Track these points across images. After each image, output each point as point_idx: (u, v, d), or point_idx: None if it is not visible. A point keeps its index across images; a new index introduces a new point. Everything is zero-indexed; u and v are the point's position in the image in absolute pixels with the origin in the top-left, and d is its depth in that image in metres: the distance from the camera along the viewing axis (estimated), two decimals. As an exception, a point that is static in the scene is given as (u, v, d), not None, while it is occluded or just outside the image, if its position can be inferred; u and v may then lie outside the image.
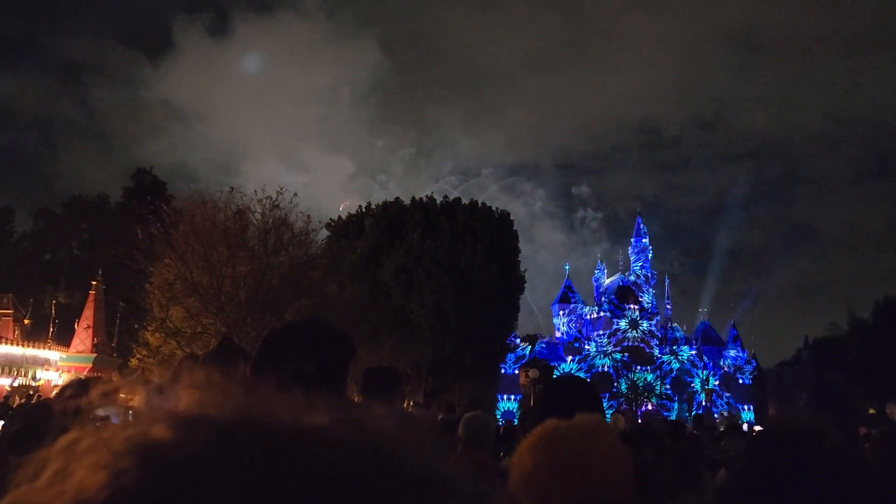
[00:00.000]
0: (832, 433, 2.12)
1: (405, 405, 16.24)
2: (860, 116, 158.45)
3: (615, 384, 56.24)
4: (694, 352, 62.25)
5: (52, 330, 30.82)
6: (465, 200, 43.51)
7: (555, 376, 40.30)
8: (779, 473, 2.05)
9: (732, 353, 63.95)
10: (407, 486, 0.45)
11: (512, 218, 44.46)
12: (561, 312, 64.71)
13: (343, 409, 0.50)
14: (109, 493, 0.44)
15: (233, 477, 0.42)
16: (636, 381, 57.03)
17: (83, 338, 29.97)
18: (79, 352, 29.20)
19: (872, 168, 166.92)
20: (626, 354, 58.80)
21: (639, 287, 64.44)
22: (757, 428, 30.27)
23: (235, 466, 0.43)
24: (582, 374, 55.68)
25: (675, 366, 60.59)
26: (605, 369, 57.66)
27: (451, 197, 43.99)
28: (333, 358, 2.16)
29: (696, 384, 59.24)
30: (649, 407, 54.32)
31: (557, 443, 1.84)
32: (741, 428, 20.55)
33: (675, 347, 62.20)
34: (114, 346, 31.43)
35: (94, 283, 31.77)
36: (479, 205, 43.19)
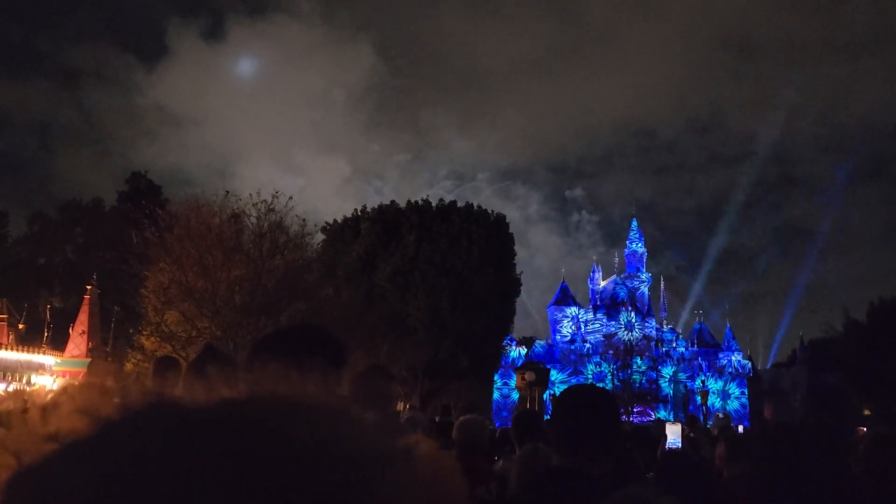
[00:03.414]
0: (818, 435, 2.12)
1: (401, 408, 16.19)
2: (855, 119, 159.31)
3: (610, 387, 56.21)
4: (689, 354, 62.31)
5: (46, 335, 30.67)
6: (460, 204, 43.49)
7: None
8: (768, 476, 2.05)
9: (729, 355, 63.98)
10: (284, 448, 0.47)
11: (507, 221, 44.45)
12: (557, 315, 64.75)
13: (241, 388, 0.52)
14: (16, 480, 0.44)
15: (134, 451, 0.45)
16: (631, 383, 57.02)
17: (78, 342, 29.86)
18: (74, 356, 29.05)
19: (867, 170, 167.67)
20: (622, 357, 58.80)
21: (634, 289, 64.51)
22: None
23: (137, 440, 0.45)
24: (578, 378, 55.79)
25: (671, 368, 60.63)
26: (601, 372, 57.66)
27: (447, 201, 43.99)
28: (322, 363, 2.15)
29: (692, 386, 59.27)
30: (644, 410, 54.31)
31: None
32: (735, 430, 20.54)
33: (670, 350, 62.27)
34: (109, 351, 31.32)
35: (88, 287, 31.64)
36: (475, 208, 43.16)
